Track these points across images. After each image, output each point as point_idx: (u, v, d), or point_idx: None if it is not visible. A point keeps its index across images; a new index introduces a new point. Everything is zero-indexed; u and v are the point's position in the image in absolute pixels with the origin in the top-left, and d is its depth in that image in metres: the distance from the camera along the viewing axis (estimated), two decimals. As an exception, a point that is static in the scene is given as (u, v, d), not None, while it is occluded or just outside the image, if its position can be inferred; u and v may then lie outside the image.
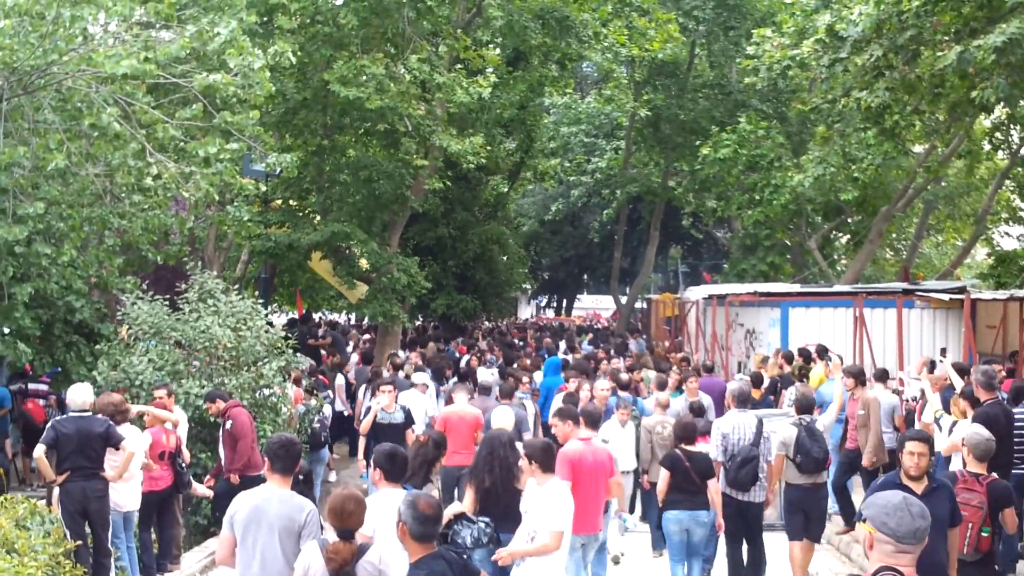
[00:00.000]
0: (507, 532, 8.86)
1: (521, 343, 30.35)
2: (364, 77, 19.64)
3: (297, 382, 16.64)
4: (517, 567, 8.52)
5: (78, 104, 13.17)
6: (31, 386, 18.23)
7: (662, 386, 15.37)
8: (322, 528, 7.05)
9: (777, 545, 12.61)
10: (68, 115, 13.45)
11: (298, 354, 16.88)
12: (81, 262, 14.59)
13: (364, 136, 23.91)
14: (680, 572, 11.19)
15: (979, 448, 8.51)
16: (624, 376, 17.39)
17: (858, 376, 13.37)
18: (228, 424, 12.87)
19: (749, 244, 31.17)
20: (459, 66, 22.56)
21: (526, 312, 64.28)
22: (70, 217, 13.78)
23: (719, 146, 27.45)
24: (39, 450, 10.46)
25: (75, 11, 12.35)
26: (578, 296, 64.82)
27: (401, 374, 18.53)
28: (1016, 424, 10.93)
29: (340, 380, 20.84)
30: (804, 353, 17.91)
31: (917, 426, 13.46)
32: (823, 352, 17.21)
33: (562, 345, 28.01)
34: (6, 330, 13.81)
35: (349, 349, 25.68)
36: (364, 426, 14.52)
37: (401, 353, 22.85)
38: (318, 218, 23.84)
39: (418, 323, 34.58)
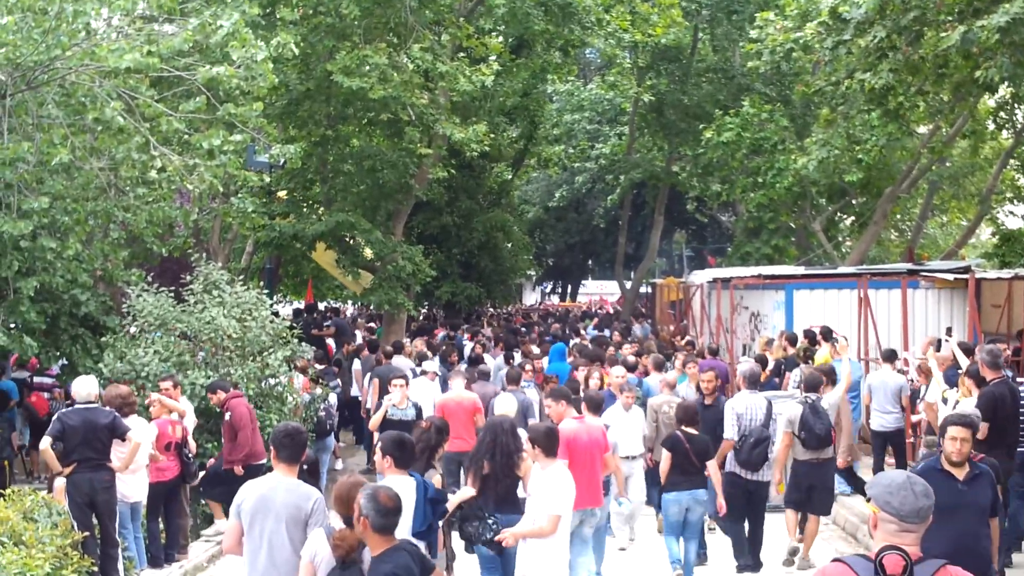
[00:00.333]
0: (505, 514, 9.04)
1: (525, 329, 30.35)
2: (367, 67, 19.64)
3: (303, 371, 16.67)
4: (521, 548, 8.72)
5: (82, 99, 13.18)
6: (36, 379, 18.31)
7: (659, 366, 15.60)
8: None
9: (779, 524, 12.75)
10: (72, 110, 13.47)
11: (303, 343, 16.91)
12: (86, 255, 14.63)
13: (367, 126, 23.90)
14: (675, 546, 11.39)
15: None
16: (631, 359, 17.42)
17: (829, 375, 13.31)
18: (227, 415, 12.94)
19: (753, 227, 31.14)
20: (462, 54, 22.54)
21: (531, 299, 64.31)
22: (75, 211, 13.80)
23: (722, 129, 27.38)
24: (45, 442, 10.53)
25: (78, 6, 12.36)
26: (583, 282, 64.85)
27: (409, 362, 18.58)
28: (1023, 403, 10.94)
29: (357, 365, 20.88)
30: (809, 335, 17.93)
31: (920, 405, 13.52)
32: (828, 334, 17.24)
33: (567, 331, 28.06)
34: (12, 324, 13.85)
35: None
36: (374, 423, 14.04)
37: (406, 341, 22.93)
38: (322, 208, 23.83)
39: (423, 310, 34.63)
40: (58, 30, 12.39)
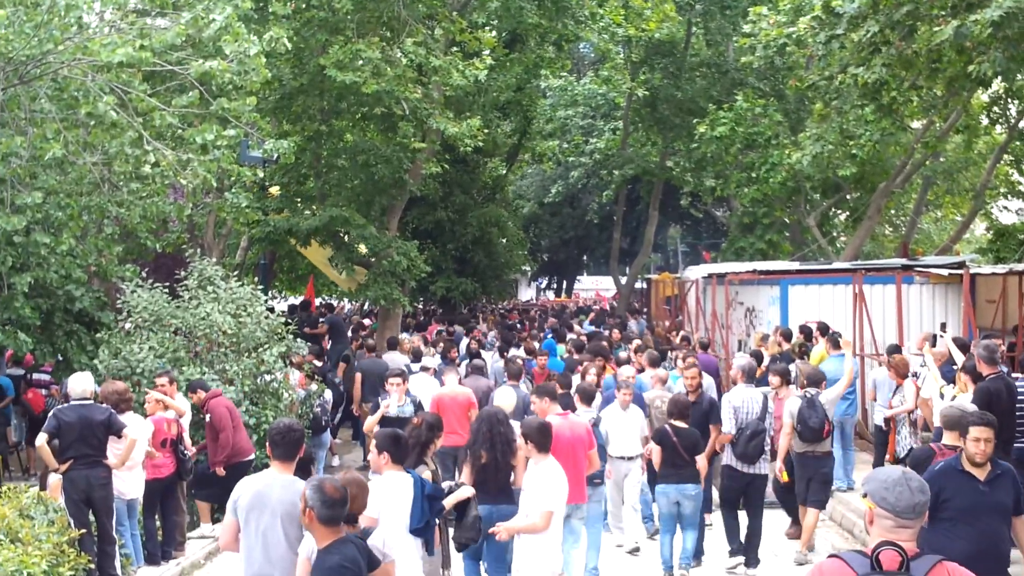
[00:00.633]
0: (502, 505, 9.20)
1: (520, 325, 30.34)
2: (360, 61, 19.61)
3: (299, 367, 16.65)
4: (516, 544, 8.83)
5: (74, 93, 13.15)
6: (34, 376, 18.28)
7: (655, 363, 15.60)
8: None
9: (775, 521, 12.80)
10: (65, 104, 13.43)
11: (298, 340, 16.90)
12: (80, 251, 14.61)
13: (361, 120, 23.87)
14: (668, 543, 11.55)
15: (949, 419, 8.67)
16: (623, 354, 17.44)
17: (784, 375, 13.34)
18: (207, 417, 12.92)
19: (748, 222, 31.12)
20: (455, 49, 22.51)
21: (526, 294, 64.32)
22: (68, 206, 13.77)
23: (716, 124, 27.37)
24: (41, 439, 10.52)
25: (70, 0, 12.33)
26: (578, 277, 64.87)
27: (404, 358, 18.57)
28: (1019, 398, 10.94)
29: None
30: (804, 330, 17.93)
31: (915, 399, 13.51)
32: (825, 329, 17.24)
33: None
34: (6, 320, 13.82)
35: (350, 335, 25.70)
36: (368, 425, 13.36)
37: (404, 335, 22.91)
38: (316, 204, 23.79)
39: (419, 306, 34.61)
40: (50, 24, 12.37)
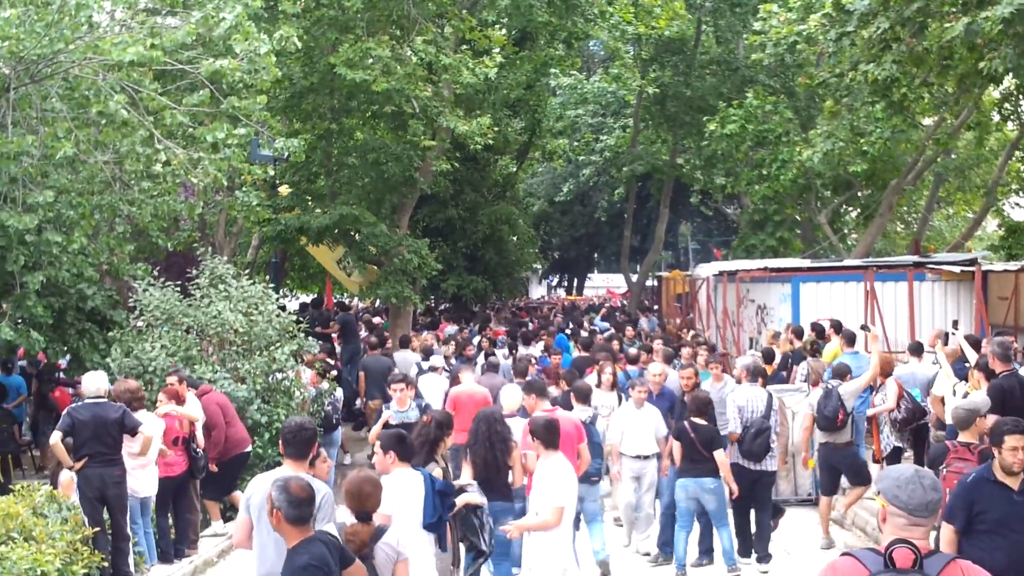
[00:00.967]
0: (500, 502, 9.36)
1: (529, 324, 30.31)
2: (370, 60, 19.61)
3: (310, 365, 16.67)
4: (526, 541, 8.87)
5: (85, 92, 13.18)
6: (62, 375, 18.31)
7: (668, 359, 15.65)
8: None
9: (788, 519, 12.81)
10: (75, 103, 13.46)
11: (310, 338, 16.92)
12: (92, 250, 14.63)
13: (371, 119, 23.88)
14: (683, 540, 11.59)
15: (959, 418, 8.70)
16: (632, 351, 17.43)
17: (755, 373, 13.36)
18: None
19: (758, 220, 31.07)
20: (465, 47, 22.50)
21: (537, 292, 64.31)
22: (80, 205, 13.80)
23: (726, 122, 27.34)
24: (55, 436, 10.55)
25: (80, -1, 12.37)
26: (589, 275, 64.84)
27: (416, 356, 18.61)
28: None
29: None
30: (817, 328, 17.90)
31: (895, 398, 13.46)
32: (838, 327, 17.21)
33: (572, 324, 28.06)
34: (19, 319, 13.85)
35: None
36: (372, 436, 12.87)
37: (427, 333, 22.97)
38: (326, 202, 23.81)
39: (431, 304, 34.63)
40: (61, 23, 12.39)
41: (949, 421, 10.60)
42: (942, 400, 12.11)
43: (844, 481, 13.30)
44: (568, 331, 24.76)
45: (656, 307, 39.99)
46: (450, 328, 26.35)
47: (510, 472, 9.89)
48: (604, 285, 63.76)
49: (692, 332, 23.25)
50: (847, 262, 23.10)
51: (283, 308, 16.58)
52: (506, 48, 25.66)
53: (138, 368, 14.01)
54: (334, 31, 20.61)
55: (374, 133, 24.12)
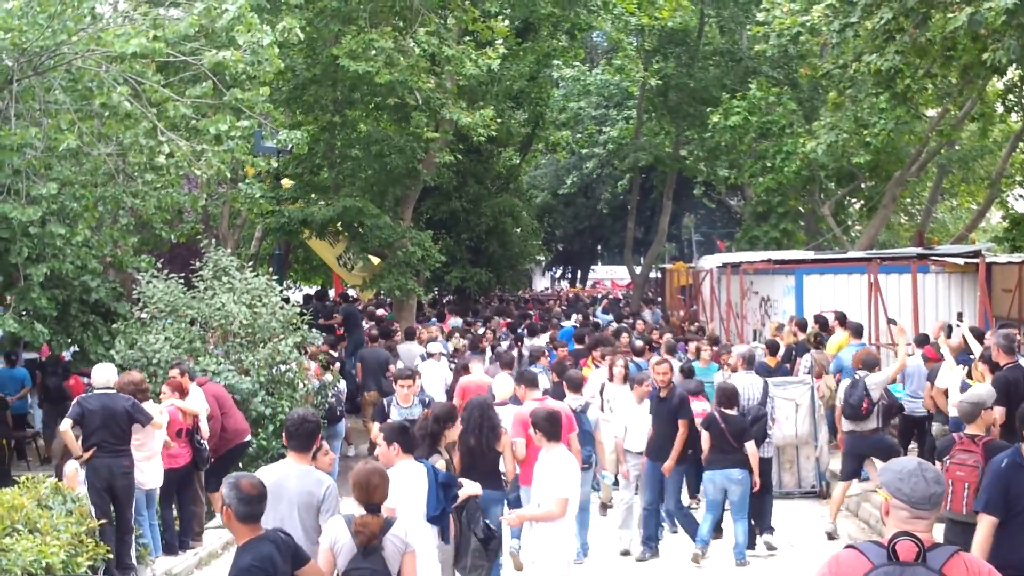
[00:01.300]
0: (489, 490, 9.32)
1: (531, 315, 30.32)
2: (373, 51, 19.61)
3: (313, 357, 16.67)
4: (527, 531, 8.90)
5: (88, 84, 13.18)
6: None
7: (671, 350, 15.88)
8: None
9: (792, 511, 12.82)
10: (79, 95, 13.47)
11: (313, 330, 16.92)
12: (95, 242, 14.63)
13: (374, 110, 23.85)
14: (710, 521, 11.76)
15: (964, 412, 8.76)
16: (638, 343, 17.41)
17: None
18: None
19: (762, 211, 31.02)
20: (468, 38, 22.49)
21: (541, 284, 64.31)
22: (83, 197, 13.81)
23: (730, 113, 27.28)
24: (65, 424, 10.60)
25: (83, -9, 12.37)
26: (592, 267, 64.84)
27: (421, 348, 18.63)
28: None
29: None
30: (820, 320, 17.89)
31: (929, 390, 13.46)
32: (843, 319, 17.21)
33: (575, 316, 28.06)
34: (23, 311, 13.85)
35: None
36: (375, 435, 12.99)
37: (434, 324, 23.00)
38: (330, 194, 23.81)
39: (435, 294, 34.62)
40: (64, 15, 12.40)
41: (953, 414, 10.60)
42: (945, 392, 12.09)
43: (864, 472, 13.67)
44: (576, 324, 24.72)
45: (660, 299, 39.98)
46: (454, 320, 26.35)
47: (500, 460, 10.00)
48: (608, 277, 63.79)
49: (696, 324, 23.22)
50: (851, 254, 23.07)
51: (286, 300, 16.57)
52: (509, 39, 25.64)
53: (142, 360, 14.00)
54: (337, 22, 20.60)
55: (377, 125, 24.09)
